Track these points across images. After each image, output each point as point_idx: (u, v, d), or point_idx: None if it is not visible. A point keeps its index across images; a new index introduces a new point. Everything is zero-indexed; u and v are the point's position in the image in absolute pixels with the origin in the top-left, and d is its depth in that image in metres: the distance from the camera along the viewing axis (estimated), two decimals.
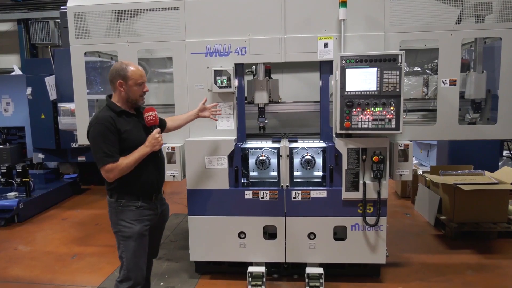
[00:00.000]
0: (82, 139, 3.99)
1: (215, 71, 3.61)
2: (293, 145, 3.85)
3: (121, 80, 2.54)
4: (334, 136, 3.63)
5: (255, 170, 4.18)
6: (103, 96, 4.32)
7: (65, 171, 7.79)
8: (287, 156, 3.65)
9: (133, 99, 2.60)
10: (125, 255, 2.58)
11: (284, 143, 3.77)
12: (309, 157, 3.98)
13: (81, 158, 7.24)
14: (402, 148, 3.55)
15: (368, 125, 3.36)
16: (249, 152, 4.08)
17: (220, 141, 3.64)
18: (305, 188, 3.68)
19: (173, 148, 3.71)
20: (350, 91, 3.37)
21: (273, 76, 4.37)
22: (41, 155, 7.16)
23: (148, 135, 2.61)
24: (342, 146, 3.50)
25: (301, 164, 4.02)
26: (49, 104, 6.59)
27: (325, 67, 3.67)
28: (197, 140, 3.69)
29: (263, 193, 3.68)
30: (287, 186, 3.65)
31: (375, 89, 3.33)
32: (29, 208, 5.87)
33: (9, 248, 4.76)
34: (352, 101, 3.36)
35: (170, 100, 4.00)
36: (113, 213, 2.61)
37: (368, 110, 3.35)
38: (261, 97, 3.81)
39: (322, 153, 3.93)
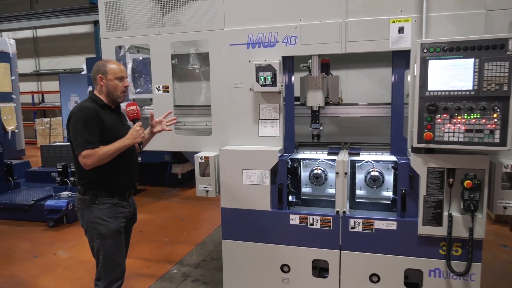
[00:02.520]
0: None
1: (257, 66, 2.93)
2: (355, 157, 3.05)
3: (101, 74, 2.56)
4: (409, 150, 2.75)
5: (309, 185, 3.46)
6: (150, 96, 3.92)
7: None
8: (345, 174, 2.85)
9: (113, 93, 2.58)
10: (102, 253, 2.55)
11: (343, 155, 2.97)
12: (376, 173, 3.17)
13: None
14: (509, 170, 2.56)
15: (458, 137, 2.45)
16: (301, 164, 3.37)
17: (261, 152, 2.96)
18: (367, 216, 2.85)
19: (206, 158, 3.12)
20: (434, 91, 2.48)
21: (334, 72, 3.57)
22: None
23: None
24: (419, 164, 2.62)
25: (365, 181, 3.24)
26: None
27: (399, 59, 2.80)
28: (233, 149, 3.05)
29: (313, 219, 2.92)
30: (343, 212, 2.86)
31: (470, 88, 2.40)
32: None
33: (48, 253, 4.58)
34: (436, 105, 2.47)
35: (208, 101, 3.41)
36: (87, 211, 2.53)
37: (460, 117, 2.43)
38: (314, 98, 3.05)
39: (393, 169, 3.08)
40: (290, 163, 3.20)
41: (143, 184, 7.67)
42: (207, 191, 3.15)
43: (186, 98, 4.26)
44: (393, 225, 2.76)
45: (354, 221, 2.84)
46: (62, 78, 10.96)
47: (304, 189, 3.57)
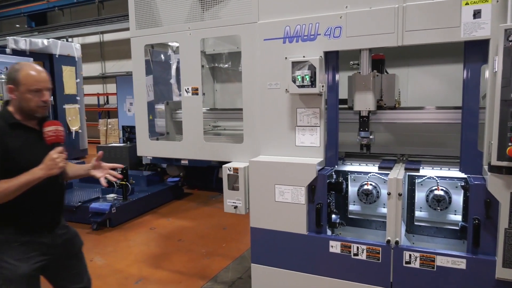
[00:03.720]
0: (142, 150, 3.34)
1: (293, 63, 2.49)
2: (414, 173, 2.49)
3: (12, 84, 2.01)
4: (485, 168, 2.14)
5: (357, 202, 2.95)
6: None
7: (172, 173, 7.60)
8: (399, 195, 2.30)
9: (27, 109, 2.03)
10: None
11: (398, 171, 2.43)
12: (441, 193, 2.59)
13: (184, 162, 6.89)
14: None
15: None
16: (348, 178, 2.87)
17: (296, 164, 2.51)
18: (427, 250, 2.27)
19: (235, 170, 2.74)
20: None
21: (391, 71, 3.01)
22: (148, 156, 7.07)
23: None
24: (500, 188, 2.00)
25: (427, 201, 2.67)
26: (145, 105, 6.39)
27: (473, 52, 2.20)
28: (264, 160, 2.63)
29: (358, 248, 2.41)
30: (396, 242, 2.31)
31: None
32: (123, 212, 5.68)
33: (86, 258, 4.49)
34: None
35: (239, 103, 3.02)
36: None
37: None
38: (363, 101, 2.53)
39: (462, 188, 2.48)
40: (334, 177, 2.72)
41: (191, 188, 7.51)
42: (235, 207, 2.76)
43: (227, 100, 3.94)
44: (461, 263, 2.16)
45: (410, 255, 2.28)
46: (119, 80, 11.27)
47: (352, 207, 3.06)
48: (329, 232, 2.90)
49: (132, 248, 4.82)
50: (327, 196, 2.73)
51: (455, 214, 2.79)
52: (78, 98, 10.76)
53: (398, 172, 2.41)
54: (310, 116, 2.58)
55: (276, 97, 2.66)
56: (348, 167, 3.01)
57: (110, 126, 12.87)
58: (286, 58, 2.56)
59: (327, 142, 2.61)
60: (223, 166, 2.80)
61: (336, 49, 2.48)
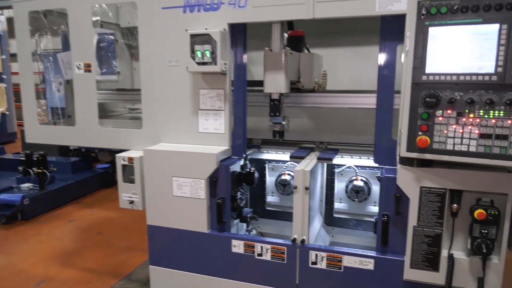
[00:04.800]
0: (31, 136, 2.87)
1: (192, 36, 2.13)
2: (327, 162, 2.26)
3: None
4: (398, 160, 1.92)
5: (276, 193, 2.71)
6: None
7: (104, 159, 7.04)
8: (306, 188, 2.04)
9: None
10: None
11: (308, 161, 2.17)
12: (360, 183, 2.39)
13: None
14: None
15: (469, 146, 1.61)
16: (266, 167, 2.63)
17: (194, 154, 2.18)
18: (333, 249, 2.04)
19: (130, 160, 2.37)
20: (435, 74, 1.64)
21: (320, 51, 2.75)
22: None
23: None
24: (409, 181, 1.79)
25: (346, 192, 2.45)
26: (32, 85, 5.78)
27: (389, 29, 1.95)
28: (160, 150, 2.28)
29: (262, 247, 2.14)
30: (302, 241, 2.06)
31: (492, 70, 1.55)
32: (38, 204, 5.11)
33: None
34: (438, 95, 1.63)
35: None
36: None
37: (472, 116, 1.59)
38: (273, 82, 2.23)
39: (379, 181, 2.27)
40: (248, 166, 2.44)
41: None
42: (131, 201, 2.41)
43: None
44: (369, 264, 1.95)
45: (316, 254, 2.04)
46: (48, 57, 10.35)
47: (270, 198, 2.81)
48: (242, 228, 2.64)
49: (43, 244, 4.32)
50: (238, 188, 2.45)
51: (374, 206, 2.61)
52: (4, 76, 9.75)
53: (308, 163, 2.16)
54: (214, 98, 2.25)
55: (177, 76, 2.30)
56: (264, 155, 2.73)
57: (43, 107, 11.91)
58: (186, 30, 2.19)
59: (234, 128, 2.30)
60: (117, 155, 2.42)
61: (242, 21, 2.15)
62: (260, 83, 2.31)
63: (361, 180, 2.55)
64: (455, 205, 1.75)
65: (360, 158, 2.51)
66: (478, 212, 1.67)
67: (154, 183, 2.28)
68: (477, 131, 1.59)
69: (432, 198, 1.76)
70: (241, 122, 2.27)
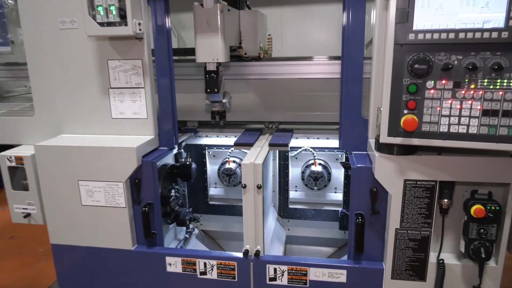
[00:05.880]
0: None
1: None
2: (282, 149, 1.81)
3: None
4: (371, 142, 1.50)
5: (219, 185, 2.25)
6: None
7: None
8: (258, 187, 1.58)
9: None
10: None
11: (259, 148, 1.71)
12: (318, 169, 1.98)
13: None
14: None
15: (469, 126, 1.22)
16: (206, 154, 2.14)
17: (106, 149, 1.61)
18: (296, 261, 1.62)
19: (19, 160, 1.74)
20: (425, 31, 1.20)
21: (266, 11, 2.24)
22: None
23: None
24: (390, 173, 1.39)
25: (303, 179, 2.04)
26: None
27: None
28: (57, 145, 1.67)
29: (206, 264, 1.67)
30: (257, 253, 1.62)
31: (502, 24, 1.14)
32: None
33: None
34: (429, 59, 1.20)
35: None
36: None
37: (473, 86, 1.19)
38: (207, 49, 1.69)
39: (344, 167, 1.90)
40: (183, 156, 1.94)
41: None
42: (27, 215, 1.80)
43: None
44: (341, 276, 1.56)
45: (275, 269, 1.61)
46: None
47: (213, 191, 2.34)
48: (180, 233, 2.15)
49: None
50: (171, 185, 1.93)
51: (335, 193, 2.25)
52: None
53: (258, 152, 1.69)
54: (129, 72, 1.66)
55: (75, 43, 1.67)
56: (203, 140, 2.22)
57: None
58: None
59: (160, 111, 1.75)
60: (0, 154, 1.77)
61: None
62: (193, 51, 1.76)
63: (320, 164, 2.15)
64: (445, 200, 1.39)
65: (318, 139, 2.09)
66: (476, 209, 1.32)
67: (55, 190, 1.68)
68: (479, 107, 1.20)
69: (418, 193, 1.38)
70: (168, 102, 1.73)
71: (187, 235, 2.24)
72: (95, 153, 1.60)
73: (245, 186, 1.56)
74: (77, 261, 1.76)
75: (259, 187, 1.55)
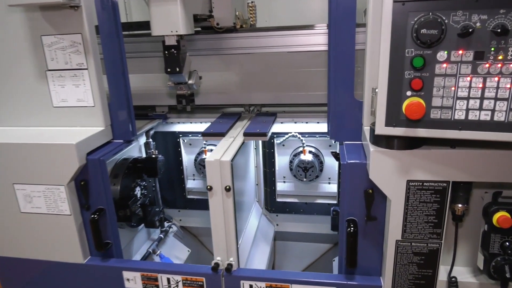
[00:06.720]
0: None
1: None
2: (259, 138, 1.52)
3: None
4: (365, 131, 1.19)
5: (197, 177, 1.99)
6: None
7: None
8: (227, 189, 1.28)
9: None
10: None
11: (231, 139, 1.41)
12: (308, 158, 1.70)
13: None
14: None
15: (495, 110, 0.90)
16: (181, 142, 1.87)
17: (42, 146, 1.32)
18: (274, 276, 1.34)
19: None
20: None
21: None
22: None
23: None
24: (389, 172, 1.08)
25: (291, 169, 1.76)
26: None
27: None
28: None
29: (169, 280, 1.40)
30: (229, 267, 1.34)
31: None
32: None
33: None
34: (439, 21, 0.87)
35: None
36: None
37: (502, 58, 0.86)
38: (164, 19, 1.36)
39: (334, 158, 1.60)
40: (151, 147, 1.65)
41: None
42: None
43: None
44: None
45: (251, 285, 1.34)
46: None
47: (191, 184, 2.07)
48: (155, 232, 1.88)
49: None
50: (136, 182, 1.65)
51: (329, 183, 1.96)
52: None
53: (230, 144, 1.39)
54: (67, 50, 1.35)
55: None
56: (175, 127, 1.93)
57: None
58: None
59: (111, 97, 1.44)
60: None
61: None
62: (148, 25, 1.44)
63: (310, 152, 1.85)
64: (460, 205, 1.09)
65: (307, 123, 1.79)
66: (500, 217, 1.02)
67: None
68: (508, 85, 0.88)
69: (425, 197, 1.08)
70: (120, 85, 1.42)
71: (161, 235, 1.98)
72: (29, 151, 1.31)
73: (210, 189, 1.27)
74: (22, 274, 1.51)
75: (227, 189, 1.26)
